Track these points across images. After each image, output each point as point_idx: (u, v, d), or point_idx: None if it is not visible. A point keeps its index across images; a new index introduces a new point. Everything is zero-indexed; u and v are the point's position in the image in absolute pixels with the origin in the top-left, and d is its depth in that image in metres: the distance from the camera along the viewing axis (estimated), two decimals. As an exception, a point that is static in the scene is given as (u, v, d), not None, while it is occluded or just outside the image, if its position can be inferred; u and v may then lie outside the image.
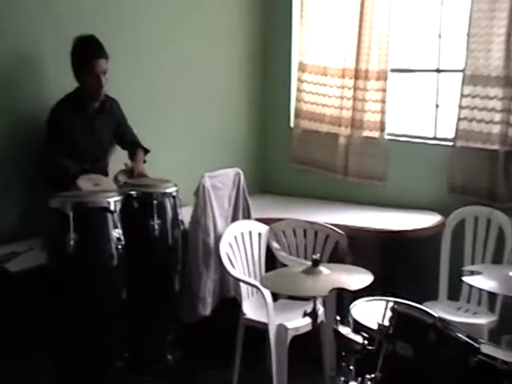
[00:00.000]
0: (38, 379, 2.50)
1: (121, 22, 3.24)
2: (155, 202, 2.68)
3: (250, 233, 3.18)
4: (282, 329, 2.80)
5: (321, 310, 2.60)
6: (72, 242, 2.33)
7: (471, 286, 2.78)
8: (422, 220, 3.35)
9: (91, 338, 2.41)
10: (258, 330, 2.87)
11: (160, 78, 3.49)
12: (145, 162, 3.05)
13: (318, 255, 2.27)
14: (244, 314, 2.95)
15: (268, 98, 4.16)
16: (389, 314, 1.76)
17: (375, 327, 1.83)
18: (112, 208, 2.46)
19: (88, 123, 2.87)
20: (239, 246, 3.10)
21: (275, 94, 4.14)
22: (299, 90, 3.98)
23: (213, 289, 3.05)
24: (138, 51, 3.34)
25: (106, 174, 2.91)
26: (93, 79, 2.76)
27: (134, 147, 3.08)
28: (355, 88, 3.71)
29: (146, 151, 3.11)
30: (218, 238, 3.01)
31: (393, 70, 3.66)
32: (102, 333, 2.45)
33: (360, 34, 3.65)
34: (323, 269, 2.19)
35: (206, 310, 3.01)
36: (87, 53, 2.76)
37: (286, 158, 4.06)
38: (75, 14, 3.01)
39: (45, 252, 2.43)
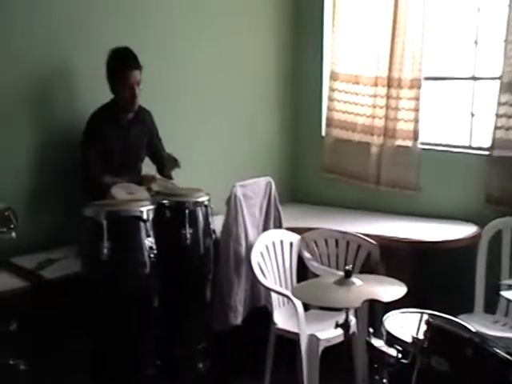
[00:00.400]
0: (71, 384, 2.55)
1: (153, 33, 3.28)
2: (187, 211, 2.69)
3: (282, 242, 3.17)
4: (313, 339, 2.78)
5: (353, 321, 2.56)
6: (106, 251, 2.36)
7: (509, 300, 2.70)
8: (456, 231, 3.29)
9: (123, 345, 2.43)
10: (289, 340, 2.85)
11: (192, 87, 3.53)
12: (171, 178, 3.05)
13: (351, 266, 2.25)
14: (275, 324, 2.94)
15: (299, 107, 4.16)
16: (423, 327, 1.72)
17: (409, 340, 1.79)
18: (145, 217, 2.49)
19: (122, 133, 2.92)
20: (270, 255, 3.10)
21: (307, 103, 4.13)
22: (331, 99, 3.97)
23: (244, 298, 3.05)
24: (170, 62, 3.39)
25: (139, 183, 2.95)
26: (127, 90, 2.81)
27: (164, 161, 3.09)
28: (388, 96, 3.67)
29: (176, 165, 3.12)
30: (249, 248, 3.01)
31: (427, 78, 3.61)
32: (134, 340, 2.47)
33: (393, 42, 3.61)
34: (355, 280, 2.16)
35: (237, 319, 3.01)
36: (121, 64, 2.81)
37: (317, 167, 4.04)
38: (109, 26, 3.08)
39: (79, 260, 2.46)
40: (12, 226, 2.00)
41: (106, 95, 2.88)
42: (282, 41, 4.05)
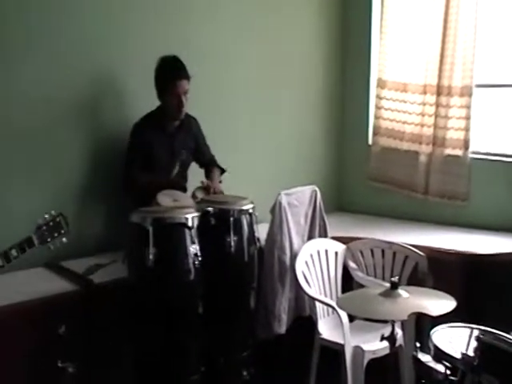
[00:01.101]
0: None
1: (202, 40, 3.32)
2: (232, 218, 2.70)
3: (327, 251, 3.14)
4: (358, 351, 2.73)
5: (399, 333, 2.51)
6: (151, 257, 2.39)
7: None
8: (508, 243, 3.17)
9: (169, 351, 2.45)
10: (334, 351, 2.81)
11: (239, 95, 3.55)
12: (220, 182, 3.09)
13: (397, 277, 2.20)
14: (319, 334, 2.90)
15: (346, 115, 4.12)
16: (473, 343, 1.66)
17: (458, 357, 1.73)
18: (190, 224, 2.50)
19: (168, 141, 2.96)
20: (315, 264, 3.07)
21: (353, 111, 4.09)
22: (378, 107, 3.91)
23: (288, 307, 3.03)
24: (218, 70, 3.42)
25: (184, 190, 2.98)
26: (174, 99, 2.85)
27: (210, 166, 3.14)
28: (437, 105, 3.60)
29: (223, 171, 3.16)
30: (293, 256, 2.99)
31: (478, 86, 3.51)
32: (179, 346, 2.48)
33: (443, 49, 3.54)
34: (402, 292, 2.11)
35: (281, 327, 2.99)
36: (170, 74, 2.85)
37: (363, 176, 3.99)
38: (159, 34, 3.12)
39: (125, 265, 2.50)
40: (63, 232, 2.06)
41: (153, 102, 2.92)
42: (329, 48, 4.03)
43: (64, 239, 2.06)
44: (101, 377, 2.50)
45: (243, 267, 2.77)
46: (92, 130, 2.99)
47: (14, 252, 1.93)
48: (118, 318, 2.50)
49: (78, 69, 2.88)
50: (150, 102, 2.92)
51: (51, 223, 2.03)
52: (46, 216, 2.04)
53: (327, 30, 4.01)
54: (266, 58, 3.67)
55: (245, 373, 2.78)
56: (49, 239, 2.02)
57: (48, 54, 2.78)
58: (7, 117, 2.67)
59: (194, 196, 2.89)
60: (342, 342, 2.75)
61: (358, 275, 3.16)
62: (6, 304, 2.29)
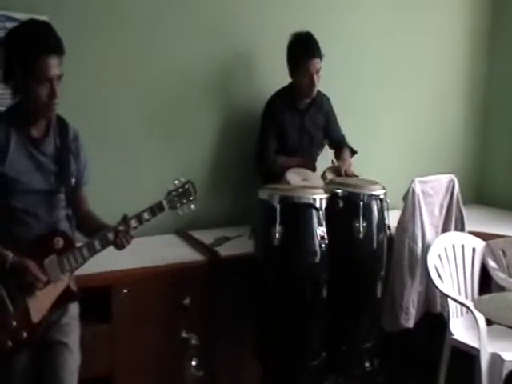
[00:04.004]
0: (240, 366, 2.60)
1: (336, 18, 3.26)
2: (361, 203, 2.58)
3: (463, 246, 2.91)
4: (496, 359, 2.49)
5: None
6: (277, 235, 2.35)
7: None
8: None
9: (290, 332, 2.41)
10: (466, 354, 2.59)
11: (376, 76, 3.44)
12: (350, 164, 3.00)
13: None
14: (451, 334, 2.71)
15: (490, 103, 3.81)
16: None
17: None
18: (318, 205, 2.43)
19: (298, 118, 2.93)
20: (449, 259, 2.86)
21: (498, 99, 3.76)
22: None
23: (417, 301, 2.86)
24: (353, 49, 3.34)
25: (313, 169, 2.92)
26: (306, 78, 2.81)
27: (340, 146, 3.05)
28: None
29: (353, 152, 3.06)
30: (425, 248, 2.81)
31: None
32: (301, 329, 2.43)
33: None
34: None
35: (409, 321, 2.83)
36: (303, 52, 2.80)
37: (508, 166, 3.65)
38: (291, 8, 3.10)
39: (252, 241, 2.50)
40: (191, 199, 2.08)
41: (285, 78, 2.89)
42: (476, 41, 3.78)
43: (192, 206, 2.08)
44: (223, 351, 2.53)
45: (371, 254, 2.65)
46: (224, 105, 3.04)
47: (146, 215, 1.98)
48: (242, 293, 2.51)
49: (214, 42, 2.95)
50: (282, 76, 2.88)
51: (180, 189, 2.06)
52: (176, 182, 2.07)
53: (474, 22, 3.76)
54: (409, 41, 3.51)
55: (367, 364, 2.66)
56: (178, 205, 2.05)
57: (190, 29, 2.87)
58: (150, 87, 2.82)
59: (323, 176, 2.82)
60: (477, 346, 2.53)
61: (499, 276, 2.88)
62: (137, 267, 2.40)
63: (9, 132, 1.87)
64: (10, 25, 2.38)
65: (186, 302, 2.06)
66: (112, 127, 2.74)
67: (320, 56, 2.80)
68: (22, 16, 2.37)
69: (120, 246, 1.96)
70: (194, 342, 2.01)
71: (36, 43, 1.81)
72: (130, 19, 2.74)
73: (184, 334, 2.02)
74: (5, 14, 2.43)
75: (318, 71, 2.80)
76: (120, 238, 1.93)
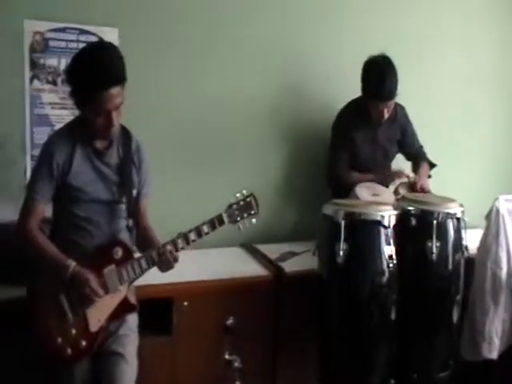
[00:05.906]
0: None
1: (412, 30, 3.18)
2: (435, 221, 2.41)
3: (558, 273, 2.63)
4: None
5: None
6: (342, 252, 2.26)
7: None
8: None
9: (355, 354, 2.29)
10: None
11: (454, 89, 3.30)
12: (429, 176, 2.84)
13: None
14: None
15: None
16: None
17: None
18: (386, 222, 2.31)
19: (371, 131, 2.83)
20: (539, 284, 2.59)
21: None
22: None
23: (502, 330, 2.61)
24: (428, 63, 3.24)
25: (386, 184, 2.79)
26: (374, 111, 2.74)
27: (418, 159, 2.90)
28: None
29: (432, 165, 2.90)
30: (510, 272, 2.58)
31: None
32: (366, 351, 2.30)
33: None
34: None
35: (492, 352, 2.59)
36: (377, 79, 2.67)
37: None
38: (368, 31, 3.07)
39: (316, 257, 2.42)
40: (253, 212, 2.03)
41: (356, 91, 2.82)
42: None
43: (253, 220, 2.03)
44: (283, 371, 2.45)
45: (446, 277, 2.46)
46: (293, 114, 3.02)
47: (205, 228, 1.96)
48: (305, 312, 2.43)
49: (284, 62, 2.96)
50: (352, 89, 2.81)
51: (242, 203, 2.01)
52: (238, 195, 2.03)
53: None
54: (487, 57, 3.35)
55: (442, 394, 2.46)
56: (238, 218, 2.00)
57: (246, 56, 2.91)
58: (218, 102, 2.85)
59: (396, 191, 2.68)
60: None
61: None
62: (198, 279, 2.39)
63: (74, 144, 1.95)
64: (82, 37, 2.54)
65: (230, 322, 2.00)
66: (180, 139, 2.79)
67: (392, 97, 2.67)
68: (94, 29, 2.50)
69: (164, 268, 1.92)
70: (236, 364, 1.94)
71: (96, 78, 1.80)
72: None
73: (227, 356, 1.96)
74: (77, 26, 2.54)
75: (388, 107, 2.70)
76: (164, 258, 1.90)
